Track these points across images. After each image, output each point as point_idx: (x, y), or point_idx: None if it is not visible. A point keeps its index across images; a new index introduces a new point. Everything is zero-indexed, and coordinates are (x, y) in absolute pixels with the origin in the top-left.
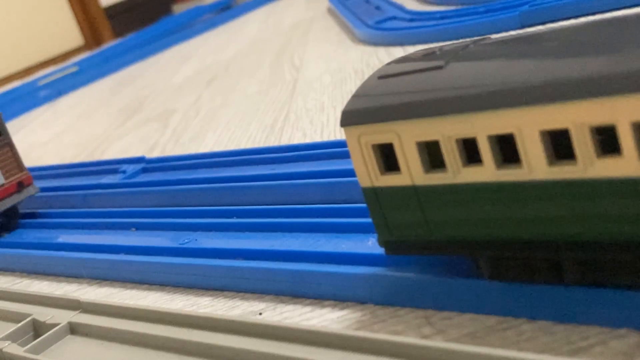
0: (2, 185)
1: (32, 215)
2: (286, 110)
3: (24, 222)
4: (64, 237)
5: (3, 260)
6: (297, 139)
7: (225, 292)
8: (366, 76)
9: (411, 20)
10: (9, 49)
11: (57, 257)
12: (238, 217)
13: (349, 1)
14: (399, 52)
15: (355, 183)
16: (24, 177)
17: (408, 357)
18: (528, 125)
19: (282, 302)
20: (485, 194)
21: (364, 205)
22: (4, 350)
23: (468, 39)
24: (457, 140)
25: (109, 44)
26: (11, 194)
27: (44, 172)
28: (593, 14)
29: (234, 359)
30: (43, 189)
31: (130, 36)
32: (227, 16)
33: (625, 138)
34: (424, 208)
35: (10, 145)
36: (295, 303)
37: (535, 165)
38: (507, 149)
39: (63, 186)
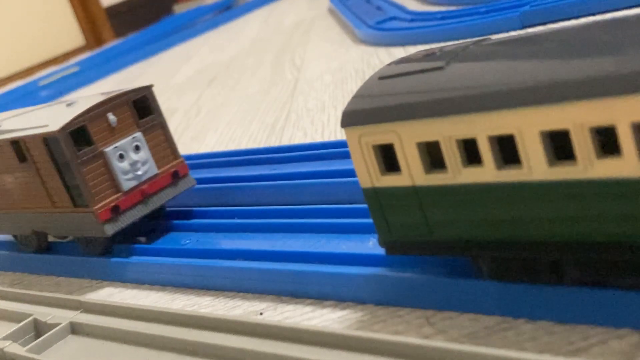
0: (156, 176)
1: None
2: (287, 110)
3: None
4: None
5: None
6: (298, 138)
7: (226, 292)
8: (367, 76)
9: (412, 20)
10: (9, 49)
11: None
12: (239, 217)
13: (349, 1)
14: (399, 52)
15: (356, 183)
16: (179, 166)
17: (408, 357)
18: (528, 125)
19: (283, 302)
20: (486, 195)
21: (364, 205)
22: (5, 350)
23: (469, 40)
24: (458, 141)
25: (110, 44)
26: (165, 187)
27: None
28: (593, 14)
29: (235, 358)
30: None
31: (131, 36)
32: (228, 16)
33: (625, 139)
34: (424, 208)
35: (163, 126)
36: (296, 303)
37: (536, 165)
38: (507, 149)
39: None
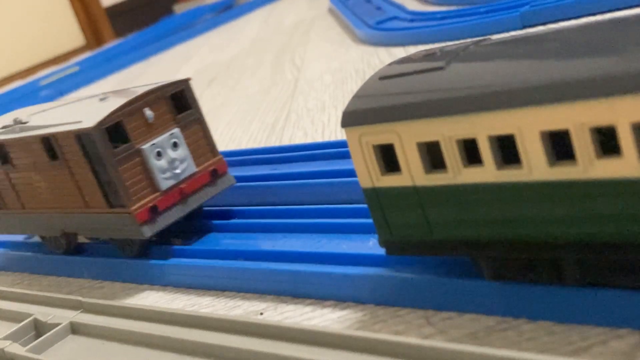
0: (194, 174)
1: None
2: (287, 110)
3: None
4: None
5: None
6: (298, 138)
7: (227, 292)
8: (367, 76)
9: (412, 20)
10: (10, 49)
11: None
12: (238, 217)
13: (350, 1)
14: (399, 52)
15: (356, 183)
16: (218, 164)
17: (409, 357)
18: (528, 125)
19: (283, 302)
20: (486, 195)
21: (364, 205)
22: (6, 350)
23: (469, 40)
24: (458, 141)
25: (110, 44)
26: (204, 187)
27: None
28: (594, 14)
29: (235, 358)
30: None
31: (131, 36)
32: (228, 16)
33: (625, 139)
34: (424, 208)
35: (201, 122)
36: (296, 303)
37: (536, 165)
38: (507, 149)
39: None
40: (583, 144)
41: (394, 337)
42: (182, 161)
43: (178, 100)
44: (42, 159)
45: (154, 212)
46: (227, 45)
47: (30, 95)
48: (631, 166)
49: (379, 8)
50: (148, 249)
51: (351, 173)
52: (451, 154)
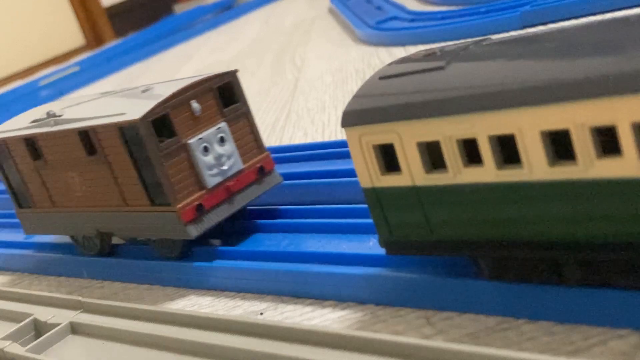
0: (241, 171)
1: None
2: (287, 110)
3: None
4: None
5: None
6: (299, 138)
7: (227, 292)
8: (367, 76)
9: (412, 20)
10: (10, 48)
11: None
12: (241, 218)
13: (350, 1)
14: (400, 52)
15: (356, 183)
16: (264, 161)
17: (409, 357)
18: (529, 125)
19: (283, 302)
20: (486, 195)
21: (364, 205)
22: (6, 350)
23: (469, 40)
24: (458, 141)
25: (111, 43)
26: (251, 185)
27: None
28: (594, 14)
29: (235, 358)
30: None
31: (131, 36)
32: (229, 16)
33: (626, 138)
34: (424, 208)
35: (248, 116)
36: (296, 303)
37: (536, 165)
38: (507, 149)
39: None
40: (583, 144)
41: (394, 337)
42: (229, 157)
43: (225, 93)
44: (78, 153)
45: (200, 210)
46: (227, 45)
47: (30, 95)
48: (631, 166)
49: (379, 8)
50: (189, 250)
51: (351, 173)
52: (451, 154)
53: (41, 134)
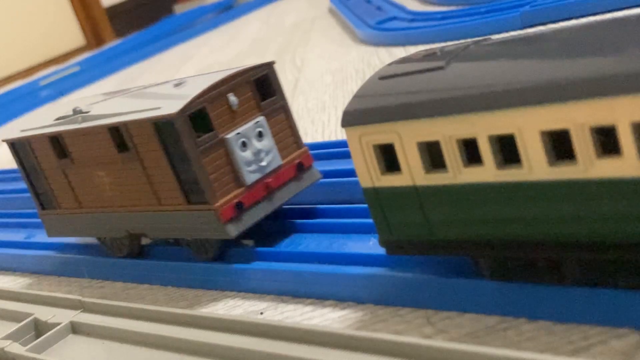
0: (280, 168)
1: None
2: None
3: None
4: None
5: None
6: None
7: (227, 292)
8: (367, 76)
9: (412, 20)
10: (10, 48)
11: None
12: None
13: (350, 1)
14: (400, 52)
15: (356, 183)
16: (303, 157)
17: (409, 356)
18: (528, 125)
19: (283, 301)
20: (486, 194)
21: (365, 205)
22: (6, 349)
23: (469, 40)
24: (458, 141)
25: (111, 44)
26: (289, 181)
27: None
28: (594, 14)
29: (235, 358)
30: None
31: (131, 36)
32: (229, 16)
33: (625, 138)
34: (424, 208)
35: (286, 110)
36: (296, 303)
37: (536, 165)
38: (507, 149)
39: None
40: (583, 144)
41: (394, 337)
42: (267, 153)
43: (262, 86)
44: (108, 151)
45: (239, 209)
46: (227, 45)
47: (30, 95)
48: (631, 166)
49: (379, 8)
50: (225, 251)
51: (351, 173)
52: (451, 154)
53: (68, 131)
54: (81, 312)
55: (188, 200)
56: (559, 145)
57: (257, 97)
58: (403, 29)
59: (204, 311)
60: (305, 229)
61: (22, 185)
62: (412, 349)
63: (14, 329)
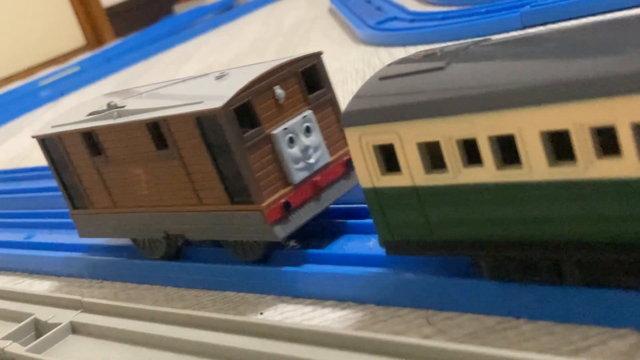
0: (328, 165)
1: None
2: None
3: None
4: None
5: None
6: None
7: (227, 292)
8: (367, 76)
9: (412, 20)
10: (10, 49)
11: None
12: None
13: (350, 1)
14: (400, 52)
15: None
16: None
17: (409, 357)
18: (528, 126)
19: (283, 302)
20: (486, 195)
21: (364, 205)
22: (6, 349)
23: (469, 40)
24: (458, 141)
25: (111, 44)
26: (338, 180)
27: (45, 172)
28: (594, 14)
29: (235, 358)
30: (42, 189)
31: (131, 36)
32: (229, 16)
33: (625, 139)
34: (424, 208)
35: (333, 103)
36: (296, 303)
37: (536, 165)
38: (507, 149)
39: None
40: (583, 144)
41: (394, 337)
42: (315, 149)
43: (309, 78)
44: (146, 148)
45: (287, 209)
46: (227, 46)
47: (30, 95)
48: (631, 166)
49: (379, 8)
50: (270, 253)
51: None
52: (451, 154)
53: (102, 127)
54: (81, 312)
55: (232, 200)
56: (559, 146)
57: (304, 90)
58: (403, 29)
59: (204, 311)
60: (354, 229)
61: (22, 185)
62: (412, 349)
63: (14, 329)
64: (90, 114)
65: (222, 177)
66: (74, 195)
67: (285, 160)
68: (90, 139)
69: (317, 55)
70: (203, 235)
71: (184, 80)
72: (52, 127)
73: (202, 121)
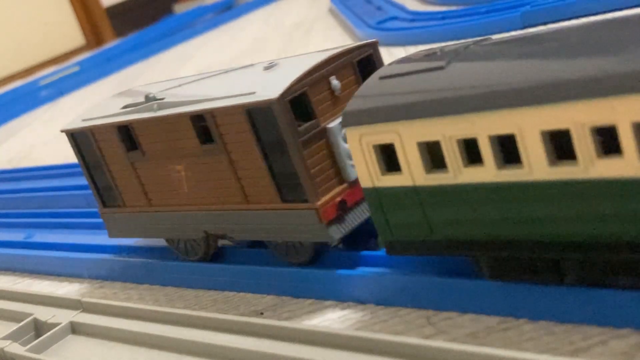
0: None
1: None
2: None
3: None
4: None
5: None
6: None
7: (227, 292)
8: None
9: (412, 20)
10: (10, 48)
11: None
12: None
13: (350, 1)
14: (400, 52)
15: None
16: None
17: (409, 357)
18: (529, 125)
19: (283, 302)
20: (486, 195)
21: None
22: (6, 349)
23: (469, 39)
24: (458, 141)
25: (111, 43)
26: None
27: (45, 172)
28: (594, 14)
29: (235, 358)
30: (41, 189)
31: (131, 36)
32: (229, 16)
33: (626, 138)
34: (425, 208)
35: None
36: (296, 303)
37: (536, 165)
38: (508, 149)
39: (64, 186)
40: (584, 144)
41: (394, 337)
42: None
43: (365, 68)
44: (188, 142)
45: (342, 208)
46: (228, 45)
47: (30, 95)
48: (632, 166)
49: (379, 8)
50: (319, 255)
51: None
52: (451, 154)
53: (140, 120)
54: (81, 312)
55: (282, 198)
56: (560, 146)
57: (360, 81)
58: (403, 29)
59: (204, 311)
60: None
61: (22, 185)
62: (412, 349)
63: (14, 329)
64: (125, 106)
65: (272, 173)
66: (105, 193)
67: (340, 156)
68: (125, 133)
69: (373, 45)
70: (248, 235)
71: (225, 71)
72: (83, 120)
73: (254, 113)
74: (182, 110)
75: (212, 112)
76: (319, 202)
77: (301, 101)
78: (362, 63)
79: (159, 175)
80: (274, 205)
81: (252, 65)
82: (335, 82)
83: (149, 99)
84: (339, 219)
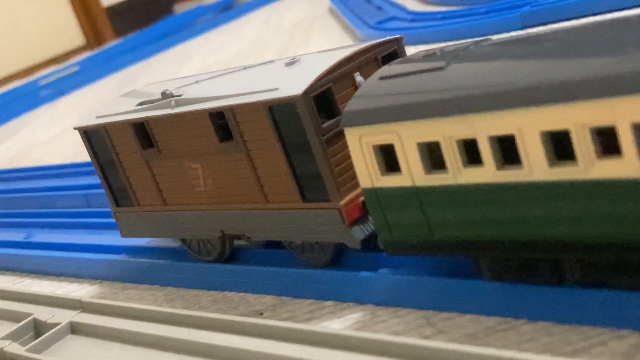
0: None
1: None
2: None
3: None
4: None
5: None
6: None
7: (226, 292)
8: None
9: (412, 20)
10: (10, 48)
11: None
12: None
13: (350, 1)
14: None
15: None
16: None
17: (409, 357)
18: (529, 126)
19: (283, 302)
20: (486, 195)
21: None
22: (5, 349)
23: (469, 40)
24: (458, 141)
25: (111, 43)
26: None
27: (44, 172)
28: (594, 14)
29: (235, 359)
30: (41, 189)
31: (131, 36)
32: (229, 16)
33: (626, 139)
34: (424, 209)
35: None
36: (296, 303)
37: (536, 166)
38: (507, 149)
39: (64, 186)
40: (583, 144)
41: (394, 337)
42: None
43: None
44: (206, 140)
45: (366, 208)
46: (228, 45)
47: (30, 95)
48: (631, 166)
49: (379, 8)
50: (341, 256)
51: None
52: (451, 154)
53: (157, 118)
54: (81, 312)
55: (304, 197)
56: (559, 146)
57: None
58: (403, 29)
59: (204, 311)
60: None
61: (22, 185)
62: (411, 349)
63: (14, 329)
64: (141, 103)
65: (294, 172)
66: (118, 192)
67: None
68: (141, 130)
69: (398, 40)
70: (268, 235)
71: (245, 68)
72: (97, 117)
73: (276, 110)
74: (200, 107)
75: (232, 109)
76: (342, 202)
77: (325, 98)
78: (386, 59)
79: (175, 174)
80: (295, 205)
81: (272, 61)
82: (359, 78)
83: (166, 95)
84: (362, 220)
